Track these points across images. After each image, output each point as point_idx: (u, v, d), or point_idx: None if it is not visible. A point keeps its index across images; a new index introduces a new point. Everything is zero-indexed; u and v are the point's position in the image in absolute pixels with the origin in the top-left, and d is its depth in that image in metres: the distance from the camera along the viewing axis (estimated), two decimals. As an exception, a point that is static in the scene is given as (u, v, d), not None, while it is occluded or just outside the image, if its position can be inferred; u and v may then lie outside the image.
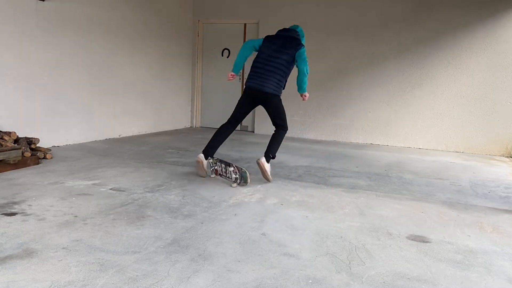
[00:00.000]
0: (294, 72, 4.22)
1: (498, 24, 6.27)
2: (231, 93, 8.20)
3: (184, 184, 3.86)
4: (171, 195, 3.50)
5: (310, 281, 2.10)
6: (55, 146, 5.42)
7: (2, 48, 4.70)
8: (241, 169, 3.85)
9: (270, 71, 4.02)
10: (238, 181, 3.83)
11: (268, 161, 4.01)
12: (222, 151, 5.69)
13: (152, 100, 7.31)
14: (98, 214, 2.95)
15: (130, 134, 6.84)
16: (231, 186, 3.83)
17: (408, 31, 6.75)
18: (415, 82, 6.80)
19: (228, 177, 3.94)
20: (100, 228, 2.68)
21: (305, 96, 4.28)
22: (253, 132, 8.02)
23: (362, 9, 7.00)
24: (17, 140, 4.47)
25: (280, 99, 4.14)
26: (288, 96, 7.60)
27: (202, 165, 4.07)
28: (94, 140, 6.08)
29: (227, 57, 8.15)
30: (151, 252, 2.35)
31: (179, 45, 7.91)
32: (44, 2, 5.10)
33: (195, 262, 2.24)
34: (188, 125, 8.46)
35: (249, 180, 3.85)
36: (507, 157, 6.32)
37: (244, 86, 4.26)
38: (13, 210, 2.95)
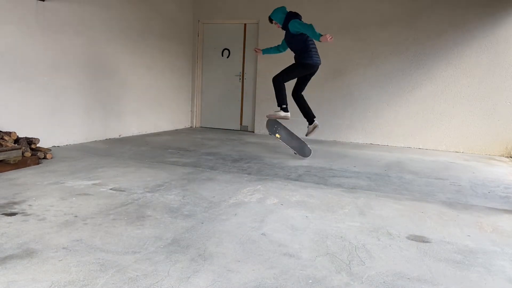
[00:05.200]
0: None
1: (498, 24, 6.27)
2: (231, 93, 8.20)
3: (184, 184, 3.86)
4: (171, 195, 3.50)
5: (310, 281, 2.10)
6: (55, 146, 5.42)
7: (2, 48, 4.70)
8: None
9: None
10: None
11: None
12: (223, 151, 5.69)
13: (152, 100, 7.32)
14: (98, 214, 2.95)
15: (130, 134, 6.84)
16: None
17: (408, 31, 6.75)
18: (415, 82, 6.80)
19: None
20: (100, 228, 2.68)
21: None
22: (253, 132, 8.02)
23: (361, 9, 7.00)
24: (17, 140, 4.47)
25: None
26: (288, 97, 7.60)
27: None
28: (94, 140, 6.08)
29: (227, 57, 8.15)
30: (151, 252, 2.35)
31: (179, 45, 7.91)
32: (44, 2, 5.10)
33: (195, 262, 2.24)
34: (188, 125, 8.47)
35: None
36: (507, 157, 6.32)
37: (311, 62, 5.07)
38: (13, 210, 2.95)
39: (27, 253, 2.27)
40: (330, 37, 4.48)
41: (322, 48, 7.26)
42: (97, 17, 5.94)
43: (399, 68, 6.87)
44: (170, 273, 2.11)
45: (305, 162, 5.19)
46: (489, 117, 6.43)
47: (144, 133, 7.15)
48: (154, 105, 7.38)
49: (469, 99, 6.52)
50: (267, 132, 7.82)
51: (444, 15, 6.54)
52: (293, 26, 4.86)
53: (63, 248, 2.35)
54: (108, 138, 6.35)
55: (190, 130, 8.05)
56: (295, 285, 2.05)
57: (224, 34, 8.15)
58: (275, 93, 5.16)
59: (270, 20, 5.10)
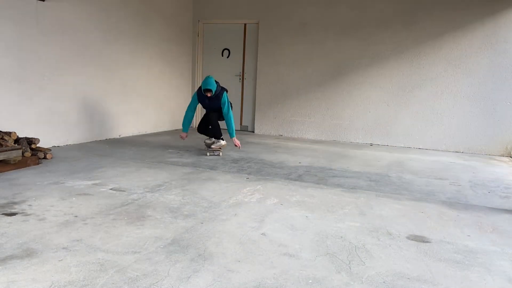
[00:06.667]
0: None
1: (498, 24, 6.27)
2: (230, 93, 8.19)
3: (184, 184, 3.86)
4: (171, 195, 3.50)
5: (310, 281, 2.10)
6: (55, 146, 5.42)
7: (2, 48, 4.70)
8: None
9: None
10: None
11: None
12: (223, 151, 5.69)
13: (152, 100, 7.32)
14: (98, 214, 2.95)
15: (130, 134, 6.84)
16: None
17: (408, 31, 6.75)
18: (415, 82, 6.80)
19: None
20: (100, 228, 2.68)
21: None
22: (253, 132, 8.02)
23: (362, 9, 7.00)
24: (17, 140, 4.47)
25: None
26: (288, 97, 7.61)
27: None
28: (94, 140, 6.08)
29: (227, 57, 8.15)
30: (151, 252, 2.35)
31: (179, 45, 7.91)
32: (44, 2, 5.10)
33: (195, 262, 2.25)
34: (188, 125, 8.46)
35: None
36: (507, 157, 6.32)
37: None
38: (13, 210, 2.95)
39: (27, 253, 2.27)
40: (237, 144, 5.38)
41: (323, 48, 7.29)
42: (97, 17, 5.94)
43: (399, 68, 6.87)
44: (170, 273, 2.11)
45: (305, 162, 5.19)
46: (489, 117, 6.43)
47: (144, 133, 7.15)
48: (154, 105, 7.38)
49: (469, 99, 6.51)
50: (267, 132, 7.82)
51: (444, 15, 6.53)
52: (224, 100, 5.23)
53: (63, 248, 2.35)
54: (108, 138, 6.35)
55: (190, 130, 8.03)
56: (295, 285, 2.05)
57: (224, 34, 8.15)
58: (218, 129, 5.44)
59: (210, 91, 5.11)
